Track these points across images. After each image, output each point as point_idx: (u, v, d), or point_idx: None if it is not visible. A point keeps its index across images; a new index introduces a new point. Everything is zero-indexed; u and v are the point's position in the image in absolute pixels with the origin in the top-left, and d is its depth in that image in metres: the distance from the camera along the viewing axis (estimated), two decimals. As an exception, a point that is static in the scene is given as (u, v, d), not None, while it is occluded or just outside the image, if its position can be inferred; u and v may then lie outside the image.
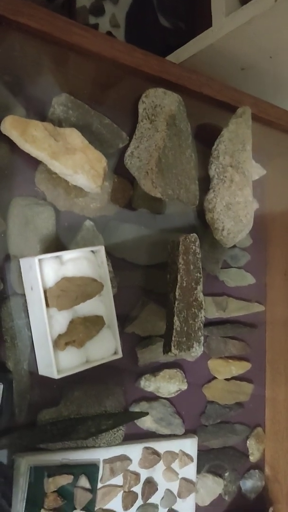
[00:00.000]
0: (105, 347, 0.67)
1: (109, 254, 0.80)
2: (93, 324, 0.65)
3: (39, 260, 0.62)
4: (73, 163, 0.65)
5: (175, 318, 0.73)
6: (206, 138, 0.87)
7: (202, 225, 0.89)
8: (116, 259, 0.81)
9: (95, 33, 0.71)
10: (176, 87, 0.80)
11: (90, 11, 1.34)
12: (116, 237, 0.82)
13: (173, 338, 0.72)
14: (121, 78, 0.78)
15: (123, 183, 0.82)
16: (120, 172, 0.81)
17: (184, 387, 0.89)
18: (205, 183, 0.86)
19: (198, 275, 0.76)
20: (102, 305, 0.68)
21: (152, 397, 0.86)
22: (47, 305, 0.62)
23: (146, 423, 0.85)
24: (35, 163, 0.71)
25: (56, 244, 0.74)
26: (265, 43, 0.90)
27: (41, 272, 0.62)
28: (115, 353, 0.68)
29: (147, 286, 0.86)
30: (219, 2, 0.92)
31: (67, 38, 0.69)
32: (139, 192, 0.82)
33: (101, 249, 0.67)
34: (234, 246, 1.01)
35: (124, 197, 0.83)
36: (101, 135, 0.79)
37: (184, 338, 0.73)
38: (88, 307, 0.66)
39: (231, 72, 0.99)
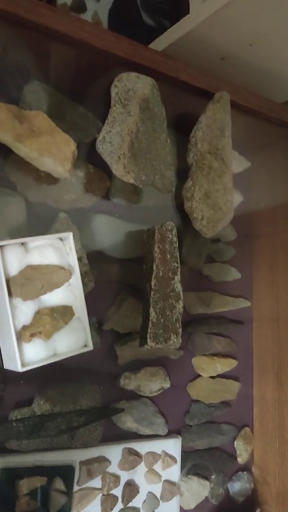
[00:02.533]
0: (74, 339, 0.63)
1: (85, 247, 0.77)
2: (61, 314, 0.61)
3: (1, 247, 0.59)
4: (39, 146, 0.62)
5: (151, 309, 0.69)
6: (183, 126, 0.84)
7: (183, 218, 0.86)
8: (93, 252, 0.78)
9: (62, 13, 0.69)
10: (151, 72, 0.77)
11: (71, 8, 1.32)
12: (92, 229, 0.79)
13: (149, 330, 0.68)
14: (93, 63, 0.75)
15: (99, 173, 0.79)
16: (96, 162, 0.78)
17: (167, 385, 0.86)
18: (183, 173, 0.83)
19: (175, 264, 0.73)
20: (71, 295, 0.64)
21: (132, 396, 0.83)
22: (11, 294, 0.58)
23: (127, 423, 0.81)
24: (4, 153, 0.69)
25: (27, 236, 0.71)
26: (244, 30, 0.88)
27: (4, 259, 0.59)
28: (86, 345, 0.64)
29: (126, 281, 0.83)
30: (196, -12, 0.90)
31: (33, 18, 0.66)
32: (117, 182, 0.80)
33: (69, 236, 0.64)
34: (218, 240, 0.98)
35: (100, 188, 0.80)
36: (75, 125, 0.76)
37: (161, 330, 0.70)
38: (56, 297, 0.63)
39: (212, 62, 0.97)
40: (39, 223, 0.73)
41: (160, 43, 0.95)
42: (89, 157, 0.79)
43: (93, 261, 0.77)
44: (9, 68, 0.72)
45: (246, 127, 0.95)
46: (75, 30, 0.70)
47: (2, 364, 0.62)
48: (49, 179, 0.73)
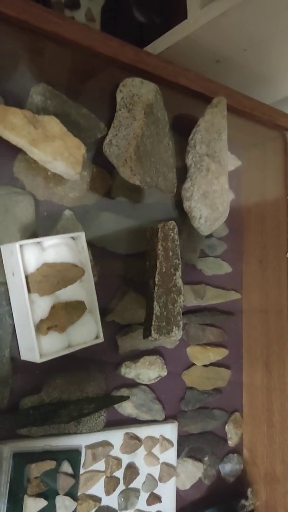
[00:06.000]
0: (87, 331, 0.67)
1: (89, 243, 0.80)
2: (75, 309, 0.65)
3: (20, 246, 0.63)
4: (52, 150, 0.65)
5: (155, 303, 0.74)
6: (182, 128, 0.88)
7: (181, 215, 0.91)
8: (96, 248, 0.81)
9: (71, 22, 0.72)
10: (152, 77, 0.81)
11: (65, 5, 1.34)
12: (95, 226, 0.83)
13: (153, 323, 0.73)
14: (97, 68, 0.78)
15: (101, 172, 0.83)
16: (98, 162, 0.82)
17: (164, 373, 0.91)
18: (182, 173, 0.87)
19: (177, 261, 0.78)
20: (83, 291, 0.68)
21: (132, 384, 0.87)
22: (29, 290, 0.62)
23: (127, 409, 0.86)
24: (14, 152, 0.72)
25: (35, 232, 0.74)
26: (239, 36, 0.92)
27: (22, 257, 0.63)
28: (97, 337, 0.69)
29: (127, 275, 0.87)
30: (194, -5, 0.94)
31: (43, 26, 0.69)
32: (118, 181, 0.83)
33: (81, 235, 0.68)
34: (211, 236, 1.03)
35: (103, 186, 0.83)
36: (79, 125, 0.79)
37: (164, 323, 0.74)
38: (69, 293, 0.67)
39: (207, 65, 1.01)
40: (46, 220, 0.77)
41: (158, 46, 0.99)
42: (92, 156, 0.82)
43: (96, 256, 0.81)
44: (19, 72, 0.74)
45: (238, 128, 1.00)
46: (83, 37, 0.73)
47: (19, 355, 0.66)
48: (56, 178, 0.76)
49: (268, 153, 1.08)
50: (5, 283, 0.68)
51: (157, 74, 0.82)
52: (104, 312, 0.83)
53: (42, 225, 0.76)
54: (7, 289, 0.67)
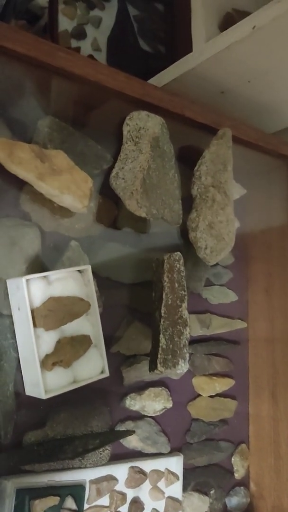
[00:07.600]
0: (92, 366, 0.67)
1: (94, 273, 0.80)
2: (80, 343, 0.65)
3: (27, 280, 0.62)
4: (60, 184, 0.66)
5: (161, 336, 0.74)
6: (188, 160, 0.89)
7: (186, 244, 0.91)
8: (101, 278, 0.81)
9: (79, 57, 0.73)
10: (158, 110, 0.82)
11: (72, 35, 1.37)
12: (101, 256, 0.83)
13: (159, 356, 0.72)
14: (104, 101, 0.79)
15: (107, 203, 0.83)
16: (104, 193, 0.82)
17: (169, 405, 0.90)
18: (188, 203, 0.87)
19: (183, 292, 0.77)
20: (89, 324, 0.68)
21: (137, 416, 0.86)
22: (34, 325, 0.62)
23: (132, 442, 0.85)
24: (21, 184, 0.72)
25: (42, 264, 0.74)
26: (244, 68, 0.93)
27: (28, 292, 0.62)
28: (102, 372, 0.68)
29: (132, 305, 0.87)
30: (199, 28, 0.95)
31: (52, 62, 0.70)
32: (124, 212, 0.84)
33: (87, 269, 0.68)
34: (217, 264, 1.02)
35: (108, 217, 0.84)
36: (85, 156, 0.80)
37: (170, 356, 0.74)
38: (75, 327, 0.66)
39: (212, 96, 1.02)
40: (52, 251, 0.77)
41: (164, 77, 1.00)
42: (98, 187, 0.83)
43: (101, 286, 0.81)
44: (27, 105, 0.75)
45: (243, 157, 1.01)
46: (91, 72, 0.74)
47: (24, 389, 0.65)
48: (62, 210, 0.76)
49: (272, 182, 1.08)
50: (10, 316, 0.67)
51: (163, 106, 0.83)
52: (109, 343, 0.82)
53: (48, 256, 0.76)
54: (12, 322, 0.67)
